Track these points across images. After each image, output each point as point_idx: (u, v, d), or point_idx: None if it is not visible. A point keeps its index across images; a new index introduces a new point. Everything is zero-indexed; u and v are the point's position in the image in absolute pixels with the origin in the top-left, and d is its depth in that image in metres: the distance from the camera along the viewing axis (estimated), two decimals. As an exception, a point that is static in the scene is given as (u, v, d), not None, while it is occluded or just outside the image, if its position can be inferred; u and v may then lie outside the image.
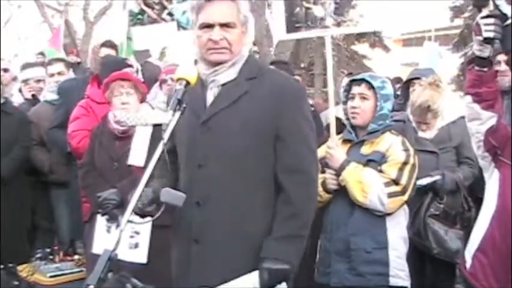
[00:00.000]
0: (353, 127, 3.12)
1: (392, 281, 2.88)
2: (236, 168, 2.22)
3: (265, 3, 10.67)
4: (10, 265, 3.90)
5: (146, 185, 2.03)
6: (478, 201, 3.50)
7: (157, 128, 3.41)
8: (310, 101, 3.41)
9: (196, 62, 2.48)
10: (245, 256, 2.21)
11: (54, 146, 4.65)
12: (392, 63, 16.93)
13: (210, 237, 2.24)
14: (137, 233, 3.12)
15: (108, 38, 5.39)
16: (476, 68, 2.67)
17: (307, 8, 3.24)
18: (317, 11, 3.23)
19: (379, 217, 2.91)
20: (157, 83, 4.80)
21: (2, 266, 3.87)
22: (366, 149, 3.01)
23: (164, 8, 5.26)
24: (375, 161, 2.95)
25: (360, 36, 16.63)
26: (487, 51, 2.62)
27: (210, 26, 2.25)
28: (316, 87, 16.74)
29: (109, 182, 3.38)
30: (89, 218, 3.61)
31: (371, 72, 3.37)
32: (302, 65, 17.30)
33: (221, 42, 2.24)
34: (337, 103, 3.62)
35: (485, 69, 2.66)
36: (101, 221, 3.34)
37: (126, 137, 3.50)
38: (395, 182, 2.88)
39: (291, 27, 3.50)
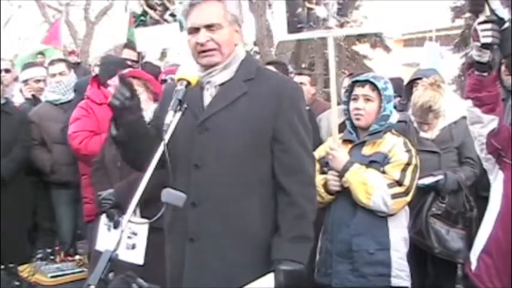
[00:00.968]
0: (354, 127, 3.10)
1: (394, 282, 2.89)
2: (233, 169, 2.22)
3: (265, 4, 10.69)
4: (11, 265, 3.90)
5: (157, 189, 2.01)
6: (480, 200, 3.52)
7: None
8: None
9: None
10: (242, 255, 2.21)
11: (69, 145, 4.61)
12: (393, 64, 16.93)
13: (205, 236, 2.24)
14: (135, 234, 3.12)
15: (109, 39, 5.39)
16: (476, 72, 2.66)
17: (310, 9, 3.22)
18: (320, 11, 3.21)
19: (381, 218, 2.91)
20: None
21: (2, 266, 3.87)
22: (367, 150, 3.00)
23: (166, 9, 5.26)
24: (378, 162, 2.94)
25: (361, 37, 16.62)
26: (486, 57, 2.61)
27: (196, 30, 2.24)
28: (317, 87, 16.74)
29: (112, 181, 3.44)
30: (95, 216, 3.64)
31: (373, 73, 3.35)
32: (303, 66, 17.29)
33: (208, 44, 2.23)
34: (338, 104, 3.62)
35: (484, 74, 2.64)
36: (103, 219, 3.40)
37: None
38: (399, 183, 2.89)
39: (293, 27, 3.48)
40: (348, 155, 2.99)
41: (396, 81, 4.74)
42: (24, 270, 3.89)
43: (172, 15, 4.93)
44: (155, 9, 5.13)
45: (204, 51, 2.25)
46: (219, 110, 2.25)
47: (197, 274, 2.25)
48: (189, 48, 2.34)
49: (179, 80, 2.16)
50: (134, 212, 3.33)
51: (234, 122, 2.23)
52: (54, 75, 5.05)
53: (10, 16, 20.12)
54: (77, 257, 4.13)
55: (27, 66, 5.73)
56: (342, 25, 3.43)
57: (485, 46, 2.56)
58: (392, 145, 2.97)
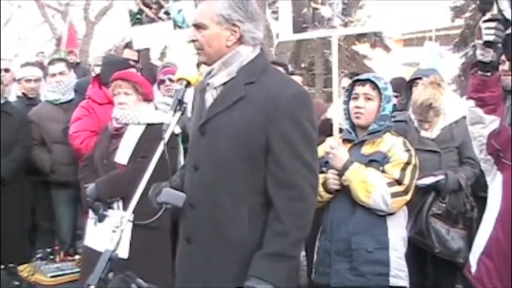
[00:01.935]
0: (353, 127, 3.11)
1: (392, 281, 2.88)
2: (224, 175, 2.17)
3: (265, 3, 10.68)
4: (10, 265, 3.89)
5: (146, 186, 2.02)
6: (478, 200, 3.53)
7: (150, 127, 3.45)
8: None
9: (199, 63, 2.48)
10: (229, 262, 2.17)
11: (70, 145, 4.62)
12: (393, 63, 16.96)
13: (198, 239, 2.24)
14: (122, 230, 3.15)
15: (109, 39, 5.39)
16: (480, 72, 2.65)
17: (315, 9, 3.22)
18: (325, 11, 3.21)
19: (380, 217, 2.91)
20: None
21: (2, 266, 3.87)
22: (366, 149, 3.01)
23: (161, 7, 5.25)
24: (377, 161, 2.95)
25: (361, 36, 16.64)
26: (489, 56, 2.60)
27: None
28: (316, 87, 16.76)
29: (100, 177, 3.54)
30: (85, 211, 3.70)
31: (373, 73, 3.36)
32: (303, 65, 17.32)
33: (195, 43, 2.23)
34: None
35: (488, 73, 2.63)
36: (90, 213, 3.49)
37: (118, 134, 3.57)
38: (399, 182, 2.89)
39: (298, 27, 3.49)
40: (348, 154, 2.99)
41: (399, 81, 4.75)
42: (24, 270, 3.89)
43: (167, 13, 4.92)
44: (150, 7, 5.12)
45: (196, 49, 2.26)
46: (216, 114, 2.21)
47: (188, 275, 2.27)
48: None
49: (179, 79, 2.16)
50: (117, 206, 3.43)
51: (228, 127, 2.17)
52: (54, 74, 5.05)
53: (10, 16, 20.13)
54: (77, 256, 4.12)
55: (23, 65, 5.73)
56: (346, 24, 3.43)
57: (488, 45, 2.55)
58: (392, 145, 2.97)
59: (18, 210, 4.53)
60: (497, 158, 2.73)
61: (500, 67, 3.37)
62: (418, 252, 3.43)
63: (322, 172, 3.05)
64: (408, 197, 2.93)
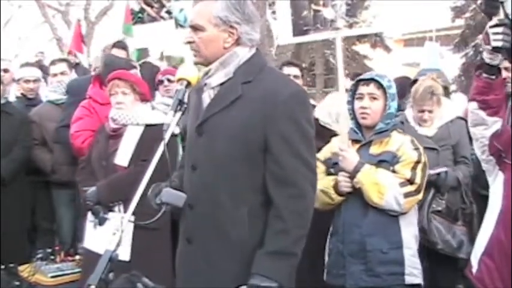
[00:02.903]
0: (358, 127, 3.08)
1: (408, 280, 2.88)
2: (224, 175, 2.17)
3: (265, 4, 10.68)
4: (11, 265, 3.90)
5: (147, 186, 2.02)
6: (479, 198, 3.54)
7: (149, 128, 3.44)
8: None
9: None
10: (229, 262, 2.18)
11: (63, 145, 4.63)
12: (394, 64, 16.95)
13: (198, 239, 2.24)
14: (122, 230, 3.14)
15: (109, 39, 5.40)
16: (485, 75, 2.64)
17: (316, 11, 3.21)
18: (327, 13, 3.21)
19: (393, 217, 2.90)
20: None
21: (2, 266, 3.87)
22: (374, 149, 2.97)
23: (163, 6, 5.28)
24: (387, 162, 2.92)
25: (361, 37, 16.64)
26: (497, 60, 2.59)
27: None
28: (317, 87, 16.76)
29: (98, 179, 3.50)
30: (84, 213, 3.68)
31: (376, 72, 3.33)
32: (303, 65, 17.31)
33: (191, 45, 2.24)
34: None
35: (493, 76, 2.63)
36: (89, 216, 3.46)
37: (117, 135, 3.54)
38: (410, 181, 2.88)
39: (299, 30, 3.48)
40: (357, 156, 2.96)
41: (403, 81, 4.73)
42: (25, 270, 3.89)
43: (168, 12, 4.95)
44: (152, 6, 5.15)
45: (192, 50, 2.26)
46: (214, 114, 2.21)
47: (189, 275, 2.26)
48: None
49: (179, 80, 2.16)
50: (119, 209, 3.41)
51: (225, 127, 2.17)
52: (55, 74, 5.06)
53: (10, 16, 20.15)
54: (77, 257, 4.12)
55: (23, 65, 5.74)
56: (351, 26, 3.43)
57: (496, 49, 2.55)
58: (401, 144, 2.95)
59: (19, 210, 4.54)
60: (499, 159, 2.73)
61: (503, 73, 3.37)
62: (420, 250, 3.43)
63: (331, 174, 3.05)
64: (420, 196, 2.93)
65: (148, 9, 5.53)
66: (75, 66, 6.90)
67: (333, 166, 3.05)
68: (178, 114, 2.06)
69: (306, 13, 3.44)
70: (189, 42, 2.24)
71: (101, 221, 3.36)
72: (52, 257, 4.09)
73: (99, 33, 19.39)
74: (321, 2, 3.42)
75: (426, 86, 3.67)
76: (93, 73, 5.42)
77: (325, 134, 3.41)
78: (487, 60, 2.60)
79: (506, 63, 3.39)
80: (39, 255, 4.07)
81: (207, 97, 2.26)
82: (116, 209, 3.42)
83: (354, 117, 3.11)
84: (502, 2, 2.51)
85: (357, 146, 3.05)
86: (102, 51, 5.15)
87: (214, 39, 2.20)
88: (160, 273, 3.10)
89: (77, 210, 4.71)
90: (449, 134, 3.74)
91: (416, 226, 3.04)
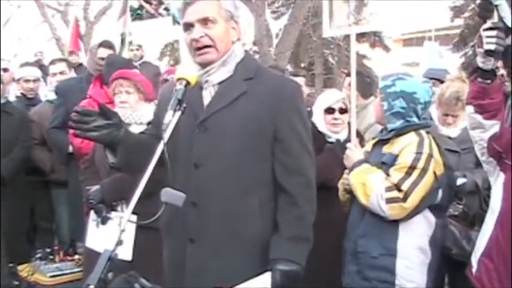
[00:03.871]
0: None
1: None
2: (233, 169, 2.20)
3: (265, 3, 10.68)
4: (10, 265, 3.90)
5: (146, 186, 2.01)
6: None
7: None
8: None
9: None
10: (242, 256, 2.20)
11: (54, 146, 4.65)
12: (393, 63, 16.95)
13: (206, 237, 2.23)
14: (122, 230, 3.14)
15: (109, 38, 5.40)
16: (479, 79, 2.62)
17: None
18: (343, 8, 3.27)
19: (392, 223, 2.75)
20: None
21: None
22: (386, 148, 2.90)
23: (161, 3, 5.29)
24: (386, 164, 2.82)
25: (360, 36, 16.64)
26: (490, 64, 2.57)
27: (191, 26, 2.23)
28: (316, 87, 16.76)
29: (102, 179, 3.49)
30: (86, 213, 3.67)
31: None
32: (302, 65, 17.33)
33: (202, 40, 2.21)
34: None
35: (488, 81, 2.61)
36: (92, 215, 3.45)
37: None
38: (397, 187, 2.71)
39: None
40: (361, 155, 2.93)
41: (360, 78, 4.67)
42: (24, 270, 3.89)
43: (167, 9, 4.95)
44: (151, 3, 5.15)
45: (199, 49, 2.23)
46: (218, 110, 2.24)
47: (198, 275, 2.24)
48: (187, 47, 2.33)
49: (178, 79, 2.16)
50: (121, 208, 3.40)
51: (233, 122, 2.22)
52: (54, 74, 5.06)
53: (10, 16, 20.12)
54: (76, 256, 4.13)
55: (22, 65, 5.75)
56: (357, 22, 3.43)
57: (489, 53, 2.54)
58: (405, 145, 2.80)
59: (18, 210, 4.53)
60: (500, 160, 2.72)
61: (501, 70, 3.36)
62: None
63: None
64: (407, 204, 2.69)
65: (147, 6, 5.55)
66: (78, 66, 6.92)
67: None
68: (178, 113, 2.06)
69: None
70: (195, 40, 2.21)
71: (104, 220, 3.36)
72: (51, 257, 4.10)
73: (98, 33, 19.37)
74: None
75: (453, 91, 3.55)
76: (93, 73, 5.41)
77: (320, 141, 3.44)
78: (480, 65, 2.59)
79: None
80: (38, 255, 4.07)
81: (208, 94, 2.28)
82: (119, 208, 3.42)
83: None
84: (496, 5, 2.51)
85: (373, 142, 3.02)
86: (89, 51, 5.16)
87: (225, 33, 2.25)
88: (162, 273, 3.10)
89: (77, 210, 4.73)
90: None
91: (424, 237, 2.80)
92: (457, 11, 17.01)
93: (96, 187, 3.42)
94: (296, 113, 2.27)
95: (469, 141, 3.57)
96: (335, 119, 3.51)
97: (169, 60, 17.88)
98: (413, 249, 2.78)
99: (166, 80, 4.71)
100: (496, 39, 2.48)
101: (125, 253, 3.10)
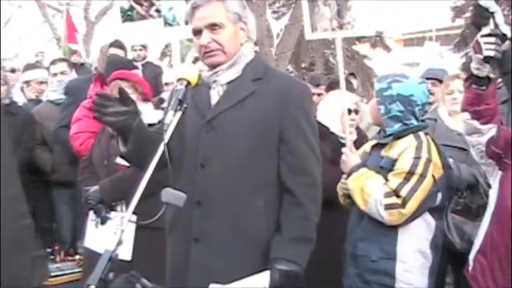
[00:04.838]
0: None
1: None
2: (239, 168, 2.21)
3: (265, 3, 10.68)
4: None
5: (147, 187, 2.01)
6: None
7: (151, 128, 3.43)
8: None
9: (195, 60, 2.49)
10: (246, 256, 2.21)
11: (62, 145, 4.63)
12: (393, 64, 16.93)
13: (210, 237, 2.23)
14: (122, 230, 3.14)
15: (109, 39, 5.41)
16: (474, 86, 2.63)
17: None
18: (326, 12, 3.27)
19: (391, 227, 2.75)
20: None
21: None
22: (384, 152, 2.88)
23: (152, 4, 5.29)
24: (384, 168, 2.81)
25: (361, 37, 16.62)
26: (485, 71, 2.58)
27: (199, 32, 2.26)
28: (316, 87, 16.73)
29: (100, 178, 3.50)
30: (86, 213, 3.67)
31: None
32: (303, 65, 17.31)
33: (211, 45, 2.24)
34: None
35: (483, 87, 2.61)
36: (90, 215, 3.46)
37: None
38: (396, 193, 2.69)
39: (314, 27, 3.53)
40: (358, 160, 2.93)
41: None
42: (24, 270, 3.89)
43: (158, 10, 4.95)
44: (141, 5, 5.15)
45: (207, 52, 2.26)
46: (226, 109, 2.26)
47: (202, 274, 2.23)
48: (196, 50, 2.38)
49: (179, 79, 2.16)
50: (121, 208, 3.40)
51: (240, 121, 2.24)
52: (55, 74, 5.07)
53: (10, 16, 20.12)
54: (77, 256, 4.13)
55: (28, 67, 5.75)
56: (341, 27, 3.44)
57: (486, 60, 2.54)
58: (403, 150, 2.78)
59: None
60: (499, 160, 2.72)
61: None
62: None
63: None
64: (406, 210, 2.68)
65: (137, 7, 5.54)
66: (80, 66, 6.92)
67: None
68: (179, 114, 2.06)
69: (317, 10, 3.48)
70: (203, 46, 2.24)
71: (103, 220, 3.36)
72: (52, 257, 4.09)
73: (99, 33, 19.37)
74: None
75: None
76: (95, 73, 5.42)
77: (333, 140, 3.50)
78: (475, 72, 2.60)
79: None
80: (39, 255, 4.06)
81: (216, 94, 2.30)
82: (118, 208, 3.41)
83: None
84: (492, 13, 2.52)
85: (372, 143, 3.02)
86: (99, 51, 5.17)
87: (234, 36, 2.27)
88: (163, 273, 3.10)
89: (78, 209, 4.72)
90: None
91: (425, 240, 2.80)
92: (458, 11, 16.96)
93: (95, 187, 3.42)
94: (303, 114, 2.28)
95: None
96: (352, 119, 3.58)
97: (170, 60, 17.88)
98: (412, 253, 2.76)
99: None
100: (495, 45, 2.49)
101: (125, 253, 3.10)
